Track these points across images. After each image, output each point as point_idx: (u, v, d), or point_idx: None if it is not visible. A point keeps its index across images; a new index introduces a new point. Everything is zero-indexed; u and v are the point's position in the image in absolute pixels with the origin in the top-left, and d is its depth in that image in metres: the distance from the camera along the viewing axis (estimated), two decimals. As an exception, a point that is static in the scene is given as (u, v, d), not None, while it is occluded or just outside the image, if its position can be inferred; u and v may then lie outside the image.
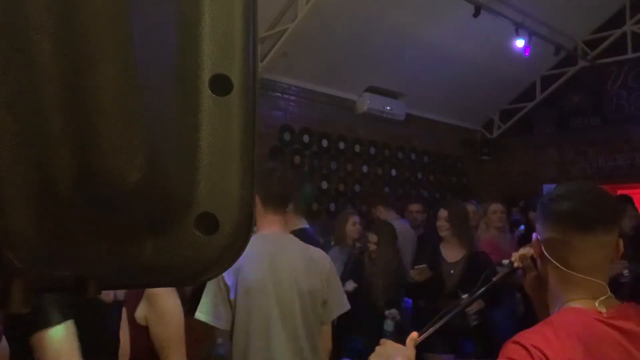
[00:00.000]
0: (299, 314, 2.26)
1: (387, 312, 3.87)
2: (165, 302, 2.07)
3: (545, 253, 1.27)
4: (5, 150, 0.35)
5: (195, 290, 3.02)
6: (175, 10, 0.45)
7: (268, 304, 2.19)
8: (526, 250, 1.46)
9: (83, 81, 0.37)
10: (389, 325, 3.81)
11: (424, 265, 3.77)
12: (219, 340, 2.16)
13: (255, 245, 2.23)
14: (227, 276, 2.15)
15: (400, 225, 4.96)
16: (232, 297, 2.17)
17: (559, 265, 1.25)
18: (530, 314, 1.53)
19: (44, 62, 0.36)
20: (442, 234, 3.88)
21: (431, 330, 1.42)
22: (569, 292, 1.26)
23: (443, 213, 3.88)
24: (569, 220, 1.25)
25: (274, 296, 2.20)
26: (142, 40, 0.40)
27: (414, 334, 1.39)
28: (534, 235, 1.32)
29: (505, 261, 1.53)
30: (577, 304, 1.25)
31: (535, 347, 1.13)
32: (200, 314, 2.17)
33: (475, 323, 3.66)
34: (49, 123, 0.37)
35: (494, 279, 1.55)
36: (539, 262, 1.34)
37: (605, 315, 1.21)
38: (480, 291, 1.57)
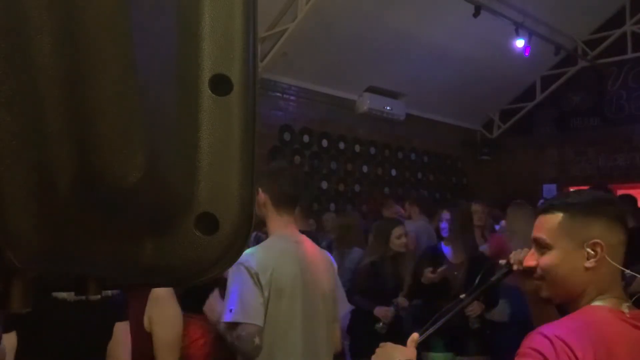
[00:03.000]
0: (321, 314, 2.28)
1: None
2: (169, 305, 2.06)
3: (609, 259, 1.26)
4: (5, 150, 0.35)
5: (188, 290, 3.00)
6: (175, 10, 0.45)
7: (296, 305, 2.18)
8: (524, 253, 1.46)
9: (83, 81, 0.37)
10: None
11: (445, 267, 3.76)
12: (256, 341, 2.05)
13: (283, 246, 2.21)
14: (262, 275, 2.11)
15: (420, 225, 5.13)
16: (265, 295, 2.13)
17: (622, 268, 1.27)
18: None
19: (44, 62, 0.36)
20: (448, 236, 3.89)
21: (431, 330, 1.42)
22: (608, 290, 1.27)
23: (446, 215, 3.89)
24: (624, 220, 1.31)
25: (301, 297, 2.20)
26: (142, 40, 0.40)
27: (415, 335, 1.39)
28: (598, 241, 1.27)
29: (503, 261, 1.53)
30: (603, 303, 1.26)
31: (558, 338, 1.14)
32: (236, 315, 2.08)
33: (476, 326, 3.68)
34: (49, 123, 0.37)
35: (492, 279, 1.54)
36: (582, 271, 1.28)
37: (628, 316, 1.23)
38: (478, 291, 1.57)
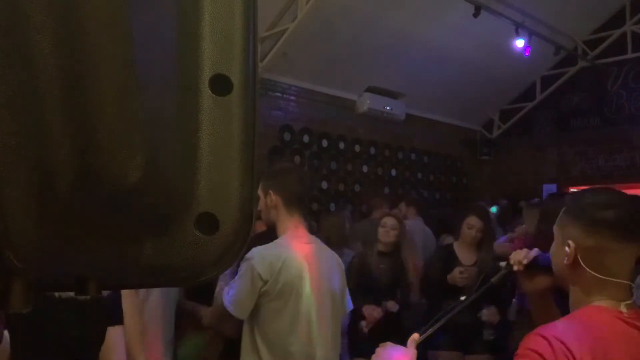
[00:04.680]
0: (330, 314, 2.30)
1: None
2: (125, 304, 2.05)
3: (582, 262, 1.26)
4: (5, 150, 0.35)
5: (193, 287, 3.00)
6: (175, 10, 0.45)
7: (304, 304, 2.20)
8: (524, 253, 1.46)
9: (83, 81, 0.37)
10: None
11: (472, 269, 3.76)
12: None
13: (293, 247, 2.23)
14: (265, 274, 2.14)
15: (415, 224, 5.13)
16: (267, 296, 2.17)
17: (595, 274, 1.25)
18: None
19: (44, 62, 0.36)
20: (468, 241, 3.88)
21: (430, 330, 1.42)
22: (597, 294, 1.27)
23: (478, 223, 3.86)
24: (619, 229, 1.26)
25: (310, 297, 2.21)
26: (142, 40, 0.40)
27: (415, 335, 1.39)
28: (570, 242, 1.28)
29: (503, 263, 1.54)
30: (601, 304, 1.26)
31: (556, 339, 1.14)
32: (228, 304, 2.21)
33: (491, 337, 3.67)
34: (48, 123, 0.37)
35: (492, 280, 1.55)
36: (565, 268, 1.31)
37: (626, 315, 1.23)
38: (478, 292, 1.58)
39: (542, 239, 3.81)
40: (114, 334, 1.78)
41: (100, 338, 1.74)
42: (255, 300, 2.18)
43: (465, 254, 3.88)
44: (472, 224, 3.86)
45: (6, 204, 0.36)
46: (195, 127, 0.45)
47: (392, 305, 3.86)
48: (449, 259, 3.86)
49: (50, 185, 0.37)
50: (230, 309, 2.20)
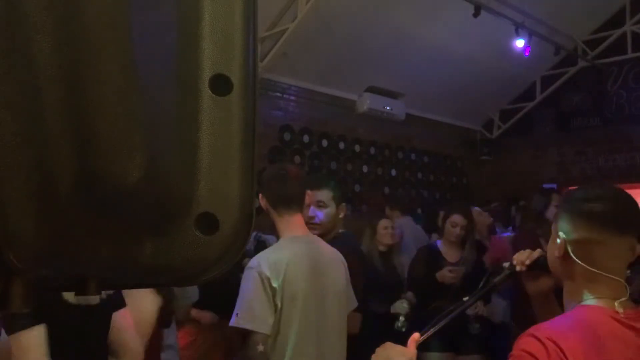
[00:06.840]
0: (336, 315, 2.29)
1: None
2: (143, 296, 2.07)
3: (572, 254, 1.26)
4: (5, 150, 0.35)
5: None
6: (175, 10, 0.45)
7: (310, 305, 2.17)
8: (527, 254, 1.47)
9: (83, 81, 0.37)
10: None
11: (462, 267, 3.77)
12: (260, 348, 2.03)
13: (295, 248, 2.20)
14: (274, 279, 2.09)
15: (405, 223, 5.14)
16: (277, 301, 2.10)
17: (586, 266, 1.25)
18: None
19: (44, 62, 0.36)
20: (453, 239, 3.88)
21: (432, 331, 1.42)
22: (591, 291, 1.27)
23: (462, 221, 3.86)
24: (607, 221, 1.26)
25: (314, 297, 2.19)
26: (142, 40, 0.40)
27: (416, 335, 1.38)
28: (560, 233, 1.30)
29: (506, 264, 1.54)
30: (596, 302, 1.26)
31: (550, 340, 1.14)
32: (241, 321, 2.07)
33: (476, 332, 3.67)
34: (48, 123, 0.37)
35: (494, 281, 1.55)
36: (557, 261, 1.32)
37: (622, 316, 1.22)
38: (480, 293, 1.58)
39: (525, 236, 3.82)
40: (119, 317, 1.84)
41: (106, 327, 1.79)
42: (272, 308, 2.08)
43: (449, 252, 3.89)
44: (456, 222, 3.87)
45: (6, 204, 0.36)
46: (195, 127, 0.45)
47: (412, 297, 3.87)
48: (434, 258, 3.87)
49: (51, 185, 0.37)
50: (248, 325, 2.05)
